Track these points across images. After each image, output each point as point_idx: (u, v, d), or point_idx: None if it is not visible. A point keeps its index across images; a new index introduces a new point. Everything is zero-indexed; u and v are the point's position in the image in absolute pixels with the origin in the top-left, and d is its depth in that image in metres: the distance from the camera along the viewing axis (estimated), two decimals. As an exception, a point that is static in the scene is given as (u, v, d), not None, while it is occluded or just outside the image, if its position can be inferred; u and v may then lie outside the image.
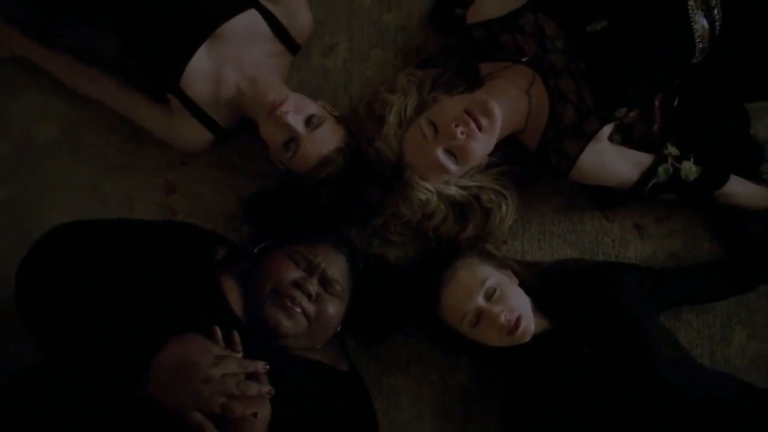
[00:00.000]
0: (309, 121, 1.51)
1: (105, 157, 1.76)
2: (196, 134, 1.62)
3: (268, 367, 1.10)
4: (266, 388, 1.07)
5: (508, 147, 1.58)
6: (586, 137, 1.49)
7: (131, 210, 1.74)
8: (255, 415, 1.04)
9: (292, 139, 1.50)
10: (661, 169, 1.55)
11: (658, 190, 1.58)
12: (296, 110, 1.50)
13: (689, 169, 1.55)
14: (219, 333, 1.11)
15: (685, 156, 1.55)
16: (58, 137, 1.76)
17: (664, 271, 1.65)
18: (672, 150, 1.56)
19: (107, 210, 1.74)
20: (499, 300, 1.42)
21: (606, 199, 1.68)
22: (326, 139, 1.51)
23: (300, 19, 1.65)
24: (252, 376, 1.08)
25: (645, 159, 1.57)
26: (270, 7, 1.57)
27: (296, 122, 1.48)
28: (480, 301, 1.42)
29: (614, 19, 1.41)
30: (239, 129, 1.68)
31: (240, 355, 1.10)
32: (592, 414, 1.42)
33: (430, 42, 1.74)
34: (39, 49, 1.68)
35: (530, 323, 1.43)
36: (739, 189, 1.60)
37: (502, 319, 1.39)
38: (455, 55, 1.64)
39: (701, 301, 1.70)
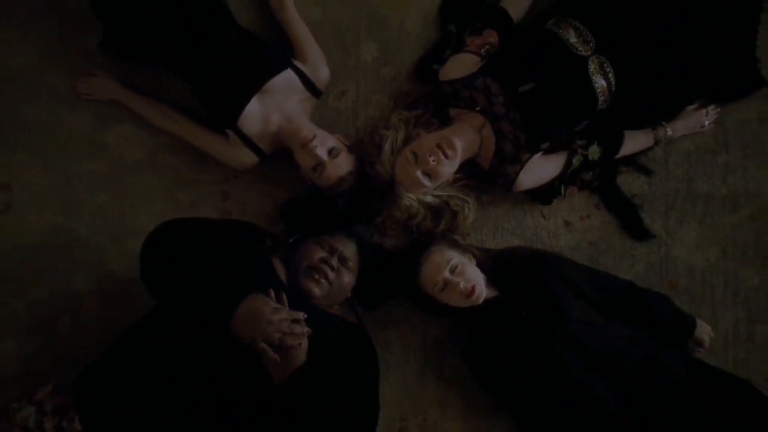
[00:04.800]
0: (331, 152, 1.83)
1: (177, 173, 2.06)
2: (246, 158, 1.95)
3: (306, 315, 1.47)
4: (306, 329, 1.44)
5: (468, 167, 1.94)
6: (521, 163, 1.88)
7: (197, 212, 2.04)
8: (300, 344, 1.43)
9: (319, 165, 1.83)
10: (574, 160, 1.94)
11: (576, 173, 1.97)
12: (322, 144, 1.82)
13: (594, 151, 1.92)
14: (273, 293, 1.49)
15: (591, 142, 1.93)
16: (143, 158, 2.06)
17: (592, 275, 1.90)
18: (579, 142, 1.92)
19: (179, 212, 2.03)
20: (459, 274, 1.78)
21: (543, 194, 2.02)
22: (342, 165, 1.84)
23: (321, 73, 1.98)
24: (295, 321, 1.44)
25: (561, 157, 1.93)
26: (300, 66, 1.94)
27: (322, 153, 1.82)
28: (446, 274, 1.78)
29: (539, 82, 1.78)
30: (277, 154, 1.96)
31: (287, 308, 1.47)
32: (526, 357, 1.75)
33: (415, 89, 2.05)
34: (130, 94, 2.03)
35: (482, 291, 1.78)
36: (629, 146, 1.96)
37: (461, 286, 1.75)
38: (431, 101, 1.98)
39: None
